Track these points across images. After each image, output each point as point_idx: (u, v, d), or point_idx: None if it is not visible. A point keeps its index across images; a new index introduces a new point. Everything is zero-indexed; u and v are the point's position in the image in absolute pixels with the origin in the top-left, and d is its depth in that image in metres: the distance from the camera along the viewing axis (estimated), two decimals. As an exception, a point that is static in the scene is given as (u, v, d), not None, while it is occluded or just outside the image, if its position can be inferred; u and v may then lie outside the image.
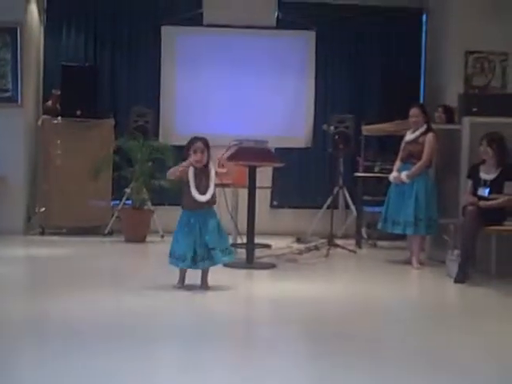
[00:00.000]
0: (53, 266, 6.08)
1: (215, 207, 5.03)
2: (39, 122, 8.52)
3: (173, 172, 4.92)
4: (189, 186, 4.79)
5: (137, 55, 9.26)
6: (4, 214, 8.06)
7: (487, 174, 5.69)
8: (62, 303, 4.30)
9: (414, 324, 4.12)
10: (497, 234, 5.83)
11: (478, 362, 3.24)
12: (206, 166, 4.86)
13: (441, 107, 7.48)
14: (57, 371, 2.86)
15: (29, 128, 8.55)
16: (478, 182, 5.72)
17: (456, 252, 5.56)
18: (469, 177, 5.87)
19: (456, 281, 5.38)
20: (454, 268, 5.51)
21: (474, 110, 6.94)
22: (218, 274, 5.61)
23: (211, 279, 4.98)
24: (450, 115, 7.30)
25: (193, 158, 4.79)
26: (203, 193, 4.80)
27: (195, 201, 4.77)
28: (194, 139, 4.86)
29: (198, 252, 4.71)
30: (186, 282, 4.93)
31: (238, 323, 4.10)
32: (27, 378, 2.77)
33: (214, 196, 4.89)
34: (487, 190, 5.60)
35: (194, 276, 4.98)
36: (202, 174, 4.84)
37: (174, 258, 4.80)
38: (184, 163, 4.85)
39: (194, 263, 4.75)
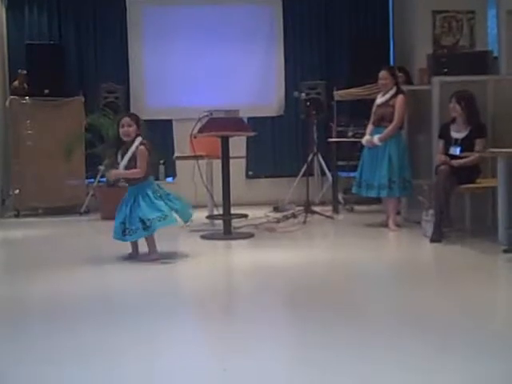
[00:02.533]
0: (29, 247, 6.05)
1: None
2: (7, 103, 8.40)
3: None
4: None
5: (103, 30, 9.13)
6: (-23, 197, 7.98)
7: (458, 133, 5.73)
8: (41, 282, 4.28)
9: (393, 285, 4.17)
10: (470, 192, 5.89)
11: (454, 318, 3.28)
12: (133, 140, 4.95)
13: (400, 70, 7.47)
14: (39, 348, 2.86)
15: (-4, 109, 8.42)
16: (449, 142, 5.76)
17: (431, 212, 5.61)
18: (440, 136, 5.90)
19: (432, 240, 5.44)
20: (429, 228, 5.57)
21: (445, 70, 6.98)
22: (195, 245, 5.64)
23: (189, 250, 4.98)
24: (407, 76, 7.33)
25: (120, 131, 4.95)
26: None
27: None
28: (122, 115, 5.15)
29: (127, 225, 4.81)
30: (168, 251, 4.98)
31: (218, 292, 4.12)
32: (11, 357, 2.77)
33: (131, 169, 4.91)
34: (458, 149, 5.64)
35: (173, 245, 5.00)
36: (128, 149, 4.95)
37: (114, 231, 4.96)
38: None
39: (123, 236, 4.86)
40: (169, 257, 5.03)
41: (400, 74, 7.07)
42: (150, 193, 4.86)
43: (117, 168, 5.01)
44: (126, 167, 4.92)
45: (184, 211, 5.05)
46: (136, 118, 5.00)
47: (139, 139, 4.94)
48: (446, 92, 6.03)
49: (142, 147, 4.91)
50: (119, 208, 4.96)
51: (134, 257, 5.03)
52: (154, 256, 4.91)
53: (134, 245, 5.05)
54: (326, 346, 2.83)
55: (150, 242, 4.93)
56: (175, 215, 4.93)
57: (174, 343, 2.96)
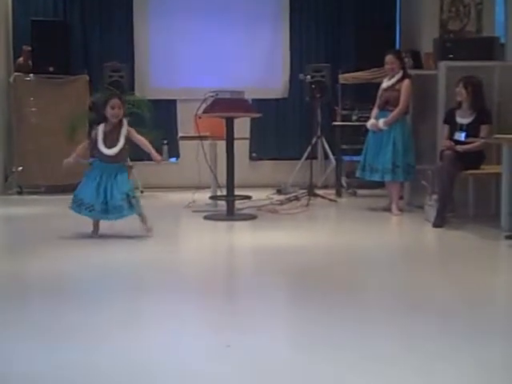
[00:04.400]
0: (31, 224, 6.07)
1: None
2: (11, 79, 8.37)
3: (80, 152, 5.18)
4: (96, 141, 4.99)
5: (108, 8, 9.10)
6: (-20, 174, 7.99)
7: (463, 119, 5.71)
8: (42, 260, 4.29)
9: (394, 268, 4.18)
10: (474, 177, 5.89)
11: (455, 301, 3.30)
12: (121, 122, 5.02)
13: (406, 52, 7.43)
14: (39, 325, 2.87)
15: (0, 86, 8.40)
16: (454, 127, 5.74)
17: (434, 197, 5.61)
18: (445, 122, 5.89)
19: (434, 225, 5.44)
20: (432, 213, 5.57)
21: (451, 56, 6.93)
22: (198, 225, 5.66)
23: (191, 230, 5.00)
24: (416, 60, 7.28)
25: (110, 112, 4.96)
26: (112, 147, 4.96)
27: (105, 155, 4.96)
28: (111, 95, 5.17)
29: (109, 203, 4.86)
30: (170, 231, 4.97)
31: (220, 272, 4.14)
32: (11, 334, 2.78)
33: (123, 150, 5.02)
34: (463, 135, 5.63)
35: (175, 226, 5.01)
36: (115, 129, 5.01)
37: (77, 204, 4.97)
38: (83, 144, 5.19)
39: (105, 214, 4.91)
40: (171, 236, 5.04)
41: (407, 59, 7.05)
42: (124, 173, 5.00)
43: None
44: (121, 148, 4.99)
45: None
46: (123, 100, 5.12)
47: (125, 121, 5.07)
48: (452, 77, 6.01)
49: (130, 128, 5.07)
50: (92, 184, 4.94)
51: (95, 236, 5.07)
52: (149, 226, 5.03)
53: (96, 223, 5.10)
54: (327, 324, 2.85)
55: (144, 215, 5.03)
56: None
57: (176, 321, 2.97)
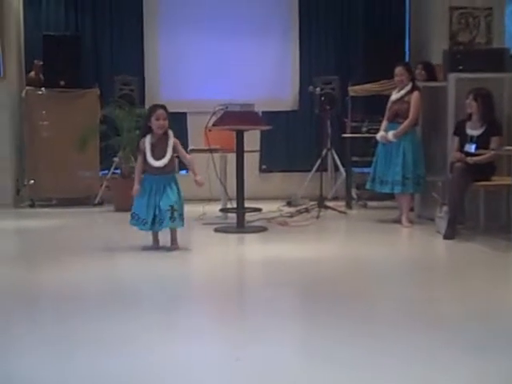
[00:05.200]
0: (44, 237, 6.09)
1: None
2: (23, 94, 8.45)
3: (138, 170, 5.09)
4: (145, 154, 4.98)
5: (119, 21, 9.16)
6: (-8, 187, 8.06)
7: (473, 130, 5.70)
8: (54, 272, 4.31)
9: (405, 281, 4.17)
10: (485, 189, 5.88)
11: (465, 315, 3.29)
12: (166, 133, 5.01)
13: (420, 64, 7.43)
14: (51, 336, 2.89)
15: (13, 100, 8.49)
16: (464, 139, 5.74)
17: (444, 209, 5.60)
18: (455, 133, 5.88)
19: (445, 237, 5.43)
20: (442, 225, 5.56)
21: (460, 67, 6.93)
22: (209, 238, 5.67)
23: (202, 242, 5.01)
24: (430, 72, 7.27)
25: (155, 124, 4.95)
26: (160, 159, 4.96)
27: (154, 167, 4.95)
28: (155, 107, 5.10)
29: (157, 215, 4.88)
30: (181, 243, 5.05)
31: (230, 284, 4.14)
32: (22, 344, 2.80)
33: (171, 162, 5.02)
34: (474, 146, 5.61)
35: (185, 239, 5.03)
36: (161, 140, 5.00)
37: (135, 219, 4.99)
38: (139, 161, 5.07)
39: (153, 226, 4.94)
40: (182, 249, 5.05)
41: (422, 72, 7.05)
42: (174, 186, 4.98)
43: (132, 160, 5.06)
44: (169, 159, 4.99)
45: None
46: (167, 111, 5.04)
47: (171, 132, 5.04)
48: (461, 89, 6.01)
49: (176, 139, 5.07)
50: (143, 199, 4.95)
51: (155, 248, 5.08)
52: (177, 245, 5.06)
53: (155, 235, 5.10)
54: (337, 338, 2.85)
55: (175, 232, 5.04)
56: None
57: (186, 333, 2.98)
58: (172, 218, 4.87)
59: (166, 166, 4.96)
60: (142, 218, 4.95)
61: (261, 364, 2.53)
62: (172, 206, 4.86)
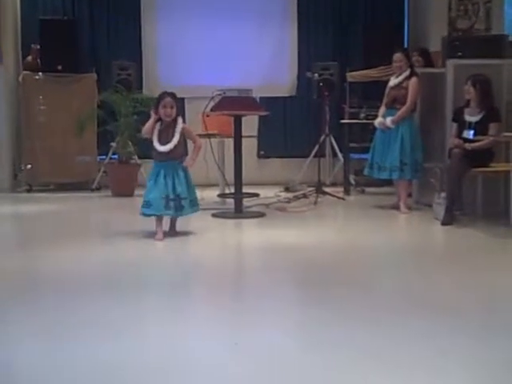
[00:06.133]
0: (41, 221, 6.09)
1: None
2: (20, 78, 8.41)
3: (147, 129, 5.00)
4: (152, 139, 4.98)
5: (116, 6, 9.11)
6: (-11, 172, 8.05)
7: (472, 116, 5.70)
8: (52, 257, 4.31)
9: (403, 266, 4.18)
10: (483, 175, 5.88)
11: (465, 300, 3.30)
12: (175, 119, 4.99)
13: (416, 51, 7.41)
14: (48, 321, 2.89)
15: (10, 84, 8.45)
16: (462, 125, 5.73)
17: (442, 195, 5.61)
18: (453, 120, 5.88)
19: (443, 223, 5.44)
20: (440, 211, 5.57)
21: (459, 54, 6.91)
22: (206, 223, 5.67)
23: (200, 228, 5.02)
24: (427, 58, 7.25)
25: (163, 112, 4.92)
26: (166, 144, 4.94)
27: (160, 152, 4.93)
28: (164, 94, 5.03)
29: (170, 201, 4.86)
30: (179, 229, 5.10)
31: (228, 269, 4.15)
32: (20, 329, 2.80)
33: (178, 148, 4.98)
34: (472, 132, 5.61)
35: (183, 224, 5.04)
36: (169, 127, 4.98)
37: (146, 207, 4.92)
38: (151, 120, 4.98)
39: (164, 209, 4.89)
40: (180, 234, 5.06)
41: (419, 59, 7.02)
42: (181, 173, 4.96)
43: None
44: (175, 145, 4.95)
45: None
46: (176, 98, 5.00)
47: (180, 119, 5.02)
48: (460, 75, 6.00)
49: (186, 126, 5.06)
50: (153, 183, 4.92)
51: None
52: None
53: (159, 221, 5.02)
54: (335, 322, 2.86)
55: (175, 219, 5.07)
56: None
57: (184, 317, 2.98)
58: (180, 206, 4.87)
59: (171, 151, 4.93)
60: (146, 201, 4.90)
61: (259, 348, 2.54)
62: (178, 195, 4.86)
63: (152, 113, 4.99)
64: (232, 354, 2.48)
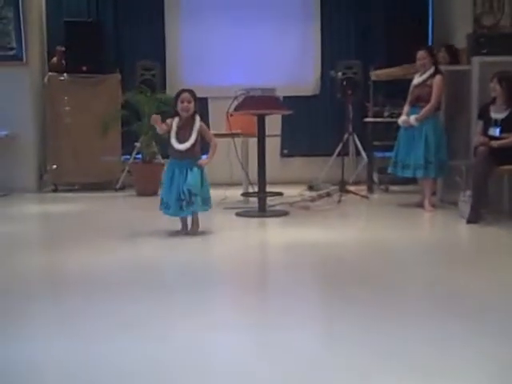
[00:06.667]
0: (67, 221, 6.15)
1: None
2: (45, 80, 8.51)
3: (159, 129, 5.01)
4: (170, 136, 4.97)
5: (140, 7, 9.17)
6: (16, 172, 8.17)
7: (498, 114, 5.65)
8: (78, 256, 4.35)
9: (427, 265, 4.15)
10: (509, 173, 5.82)
11: (489, 301, 3.25)
12: (193, 117, 4.98)
13: (443, 47, 7.36)
14: (76, 318, 2.92)
15: (35, 86, 8.55)
16: (488, 122, 5.68)
17: (468, 193, 5.56)
18: (479, 117, 5.83)
19: (469, 221, 5.39)
20: (466, 209, 5.52)
21: (484, 51, 6.85)
22: (230, 222, 5.68)
23: (224, 227, 5.03)
24: (453, 55, 7.20)
25: (180, 107, 4.94)
26: (183, 142, 4.93)
27: (176, 150, 4.92)
28: (182, 91, 5.06)
29: (183, 199, 4.86)
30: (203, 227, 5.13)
31: (252, 268, 4.15)
32: (48, 326, 2.83)
33: (195, 147, 4.97)
34: (498, 130, 5.56)
35: (207, 223, 5.05)
36: (187, 124, 4.97)
37: (162, 205, 4.98)
38: (164, 126, 4.97)
39: (180, 210, 4.91)
40: (204, 233, 5.08)
41: (445, 55, 6.97)
42: (195, 168, 4.94)
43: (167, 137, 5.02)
44: (192, 144, 4.96)
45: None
46: (194, 95, 5.01)
47: (198, 117, 5.02)
48: (485, 72, 5.94)
49: (203, 124, 5.04)
50: (167, 183, 4.96)
51: (184, 233, 5.10)
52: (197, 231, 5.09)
53: (184, 220, 5.10)
54: (360, 323, 2.84)
55: (196, 215, 5.06)
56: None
57: (209, 317, 2.99)
58: (190, 202, 4.87)
59: (188, 150, 4.93)
60: (165, 202, 4.95)
61: (284, 349, 2.53)
62: (190, 190, 4.85)
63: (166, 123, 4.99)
64: (254, 353, 2.48)
